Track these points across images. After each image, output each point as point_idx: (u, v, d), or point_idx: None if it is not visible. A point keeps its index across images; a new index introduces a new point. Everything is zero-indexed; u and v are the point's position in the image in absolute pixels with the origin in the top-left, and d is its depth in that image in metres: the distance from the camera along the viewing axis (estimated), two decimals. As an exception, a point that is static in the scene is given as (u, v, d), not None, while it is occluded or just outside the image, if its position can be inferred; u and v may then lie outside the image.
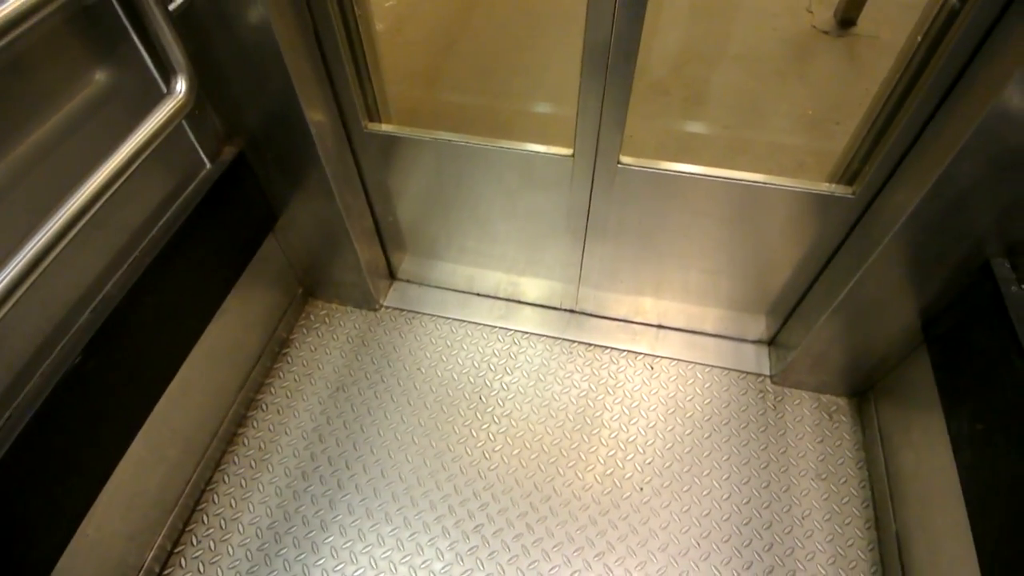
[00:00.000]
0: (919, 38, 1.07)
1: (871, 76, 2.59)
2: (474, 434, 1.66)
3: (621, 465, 1.60)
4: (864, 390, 1.69)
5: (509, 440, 1.65)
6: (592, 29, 1.12)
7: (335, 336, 1.89)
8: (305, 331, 1.90)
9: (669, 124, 2.39)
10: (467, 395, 1.74)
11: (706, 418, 1.68)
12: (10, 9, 0.78)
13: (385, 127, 1.47)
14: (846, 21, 2.77)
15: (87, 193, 0.95)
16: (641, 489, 1.56)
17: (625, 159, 1.37)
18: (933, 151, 1.10)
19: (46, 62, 0.95)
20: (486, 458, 1.62)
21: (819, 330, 1.50)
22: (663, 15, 2.85)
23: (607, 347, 1.84)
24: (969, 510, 1.12)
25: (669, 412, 1.70)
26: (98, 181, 0.96)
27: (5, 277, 0.83)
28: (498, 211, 1.62)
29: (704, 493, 1.55)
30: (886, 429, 1.56)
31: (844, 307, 1.41)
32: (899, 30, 2.77)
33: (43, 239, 0.88)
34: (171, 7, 1.08)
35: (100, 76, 1.06)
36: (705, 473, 1.58)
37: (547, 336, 1.87)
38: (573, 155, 1.38)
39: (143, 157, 1.03)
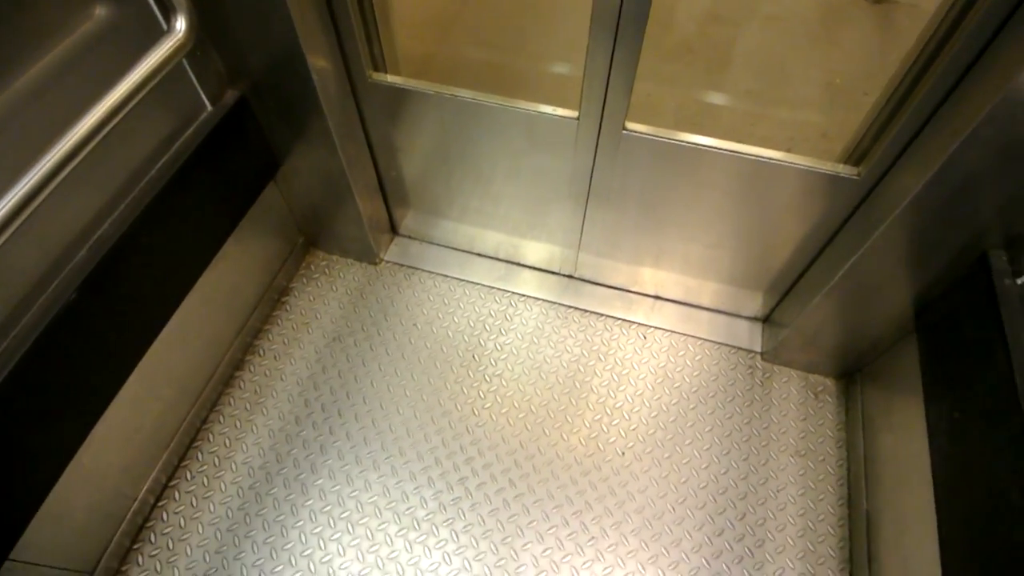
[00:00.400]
0: (942, 16, 1.03)
1: (906, 46, 2.50)
2: (465, 391, 1.69)
3: (606, 430, 1.63)
4: (852, 372, 1.70)
5: (499, 399, 1.68)
6: (603, -11, 1.09)
7: (334, 287, 1.91)
8: (305, 281, 1.92)
9: (691, 85, 2.32)
10: (461, 353, 1.77)
11: (693, 390, 1.70)
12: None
13: (390, 78, 1.44)
14: None
15: (84, 128, 0.95)
16: (623, 453, 1.59)
17: (631, 125, 1.35)
18: (942, 136, 1.08)
19: (45, -6, 0.94)
20: (475, 415, 1.65)
21: (813, 309, 1.50)
22: None
23: (602, 314, 1.85)
24: (936, 495, 1.15)
25: (658, 382, 1.72)
26: (95, 117, 0.96)
27: (1, 209, 0.85)
28: (502, 171, 1.61)
29: (684, 461, 1.58)
30: (869, 412, 1.58)
31: (839, 288, 1.41)
32: None
33: (40, 173, 0.89)
34: (172, -59, 1.06)
35: (100, 11, 1.05)
36: (687, 442, 1.61)
37: (544, 300, 1.88)
38: (578, 118, 1.36)
39: (141, 95, 1.02)
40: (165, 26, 1.14)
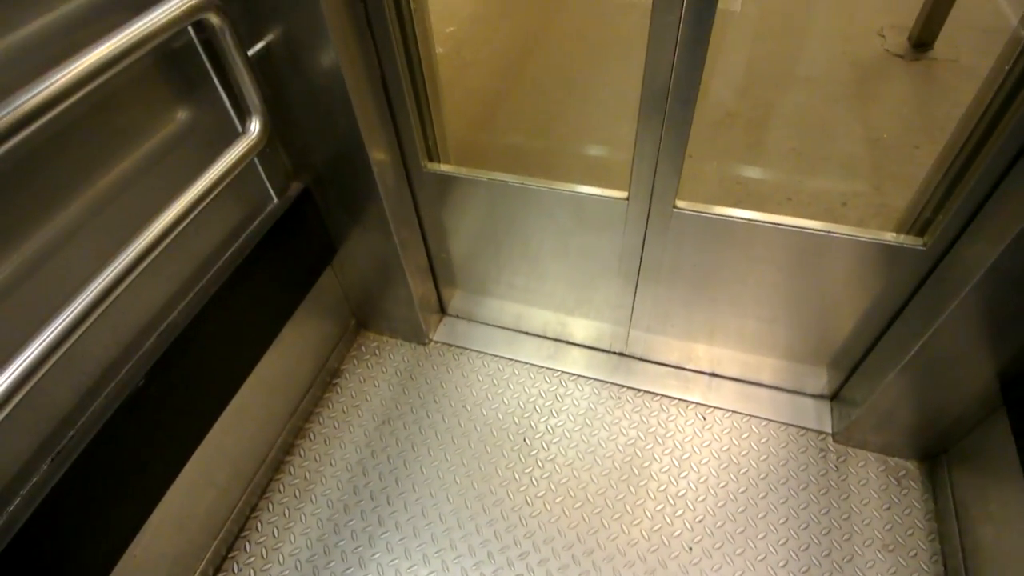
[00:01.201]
0: (998, 83, 1.02)
1: (951, 99, 2.49)
2: (517, 478, 1.63)
3: (670, 521, 1.53)
4: (936, 454, 1.57)
5: (552, 486, 1.61)
6: (651, 74, 1.12)
7: (384, 369, 1.91)
8: (356, 362, 1.93)
9: (734, 149, 2.33)
10: (511, 436, 1.72)
11: (762, 476, 1.60)
12: (105, 51, 0.85)
13: (444, 167, 1.51)
14: (921, 44, 2.66)
15: (162, 224, 1.00)
16: (690, 549, 1.48)
17: (681, 203, 1.35)
18: (1013, 202, 1.04)
19: (133, 100, 1.02)
20: (528, 504, 1.58)
21: (887, 387, 1.41)
22: (727, 39, 2.83)
23: (657, 394, 1.79)
24: None
25: (722, 467, 1.62)
26: (173, 213, 1.02)
27: (82, 302, 0.89)
28: (549, 251, 1.62)
29: (759, 558, 1.46)
30: (961, 499, 1.43)
31: (914, 364, 1.33)
32: (979, 55, 2.65)
33: (120, 266, 0.94)
34: (250, 52, 1.16)
35: (181, 114, 1.14)
36: (760, 536, 1.49)
37: (595, 379, 1.84)
38: (628, 199, 1.38)
39: (216, 192, 1.09)
40: (240, 128, 1.23)
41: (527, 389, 1.83)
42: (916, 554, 1.45)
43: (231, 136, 1.18)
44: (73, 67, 0.81)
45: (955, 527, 1.42)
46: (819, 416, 1.70)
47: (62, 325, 0.86)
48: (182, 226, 1.03)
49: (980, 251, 1.11)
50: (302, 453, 1.71)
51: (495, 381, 1.85)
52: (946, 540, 1.44)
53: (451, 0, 3.25)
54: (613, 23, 3.10)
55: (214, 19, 1.01)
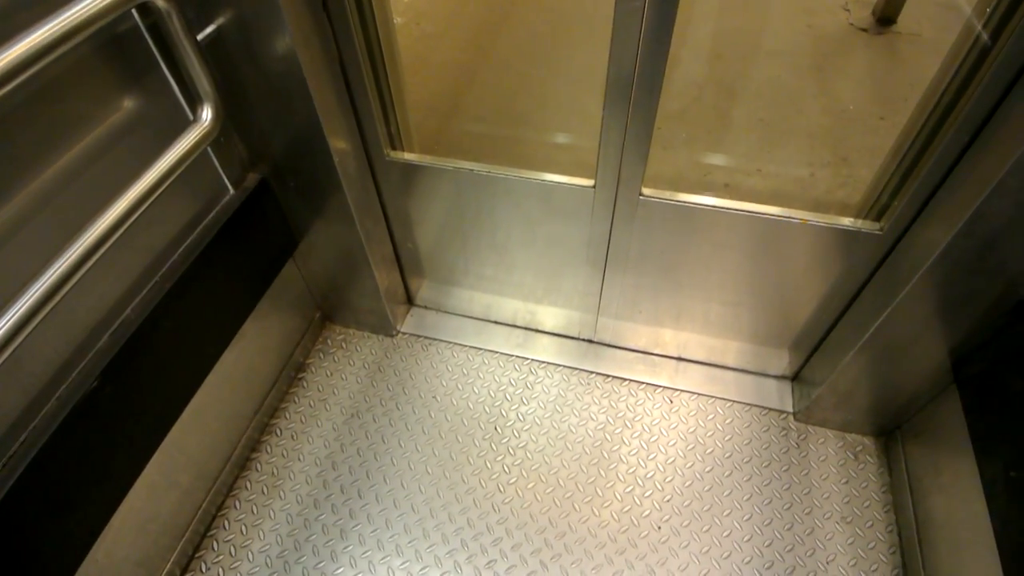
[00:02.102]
0: (948, 78, 1.05)
1: (915, 72, 2.54)
2: (489, 466, 1.63)
3: (639, 502, 1.55)
4: (891, 430, 1.64)
5: (524, 473, 1.62)
6: (615, 63, 1.12)
7: (351, 361, 1.88)
8: (321, 356, 1.90)
9: (703, 119, 2.34)
10: (482, 425, 1.72)
11: (727, 455, 1.64)
12: (42, 37, 0.80)
13: (407, 155, 1.48)
14: (885, 19, 2.71)
15: (111, 218, 0.96)
16: (659, 528, 1.51)
17: (647, 191, 1.36)
18: (966, 187, 1.07)
19: (76, 88, 0.97)
20: (500, 491, 1.58)
21: (845, 367, 1.46)
22: (694, 11, 2.82)
23: (626, 379, 1.81)
24: (1003, 561, 1.07)
25: (689, 448, 1.65)
26: (122, 206, 0.97)
27: (27, 300, 0.84)
28: (517, 240, 1.61)
29: (724, 534, 1.50)
30: (915, 472, 1.50)
31: (871, 344, 1.37)
32: (940, 29, 2.72)
33: (67, 263, 0.89)
34: (200, 36, 1.10)
35: (128, 102, 1.08)
36: (726, 513, 1.53)
37: (564, 366, 1.85)
38: (595, 186, 1.38)
39: (167, 183, 1.04)
40: (191, 115, 1.18)
41: (497, 378, 1.83)
42: (872, 525, 1.51)
43: (182, 125, 1.13)
44: (8, 53, 0.76)
45: (909, 498, 1.48)
46: (781, 396, 1.75)
47: (7, 325, 0.82)
48: (132, 219, 0.98)
49: (932, 236, 1.14)
50: (269, 449, 1.68)
51: (465, 371, 1.84)
52: (900, 511, 1.51)
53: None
54: None
55: (159, 2, 0.96)
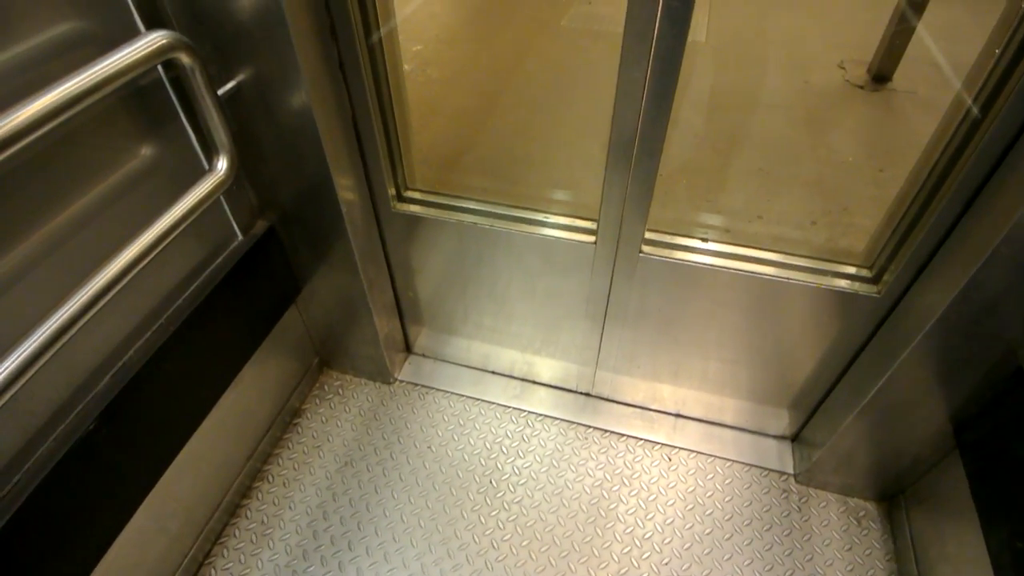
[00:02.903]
0: (940, 149, 1.09)
1: (912, 128, 2.59)
2: (483, 521, 1.60)
3: (636, 564, 1.51)
4: (894, 494, 1.61)
5: (519, 529, 1.58)
6: (618, 126, 1.16)
7: (347, 408, 1.87)
8: (318, 401, 1.89)
9: (702, 170, 2.38)
10: (477, 478, 1.69)
11: (727, 517, 1.60)
12: (71, 88, 0.83)
13: (413, 208, 1.51)
14: (880, 77, 2.79)
15: (122, 262, 0.97)
16: (657, 592, 1.47)
17: (647, 249, 1.38)
18: (961, 254, 1.09)
19: (96, 134, 1.00)
20: (494, 548, 1.55)
21: (846, 430, 1.45)
22: (694, 67, 2.91)
23: (623, 434, 1.79)
24: None
25: (688, 508, 1.62)
26: (134, 251, 0.99)
27: (33, 342, 0.85)
28: (517, 292, 1.63)
29: (724, 601, 1.45)
30: (919, 540, 1.46)
31: (871, 407, 1.37)
32: (936, 87, 2.79)
33: (75, 306, 0.90)
34: (220, 91, 1.15)
35: (146, 150, 1.12)
36: (725, 578, 1.49)
37: (561, 419, 1.83)
38: (595, 243, 1.40)
39: (180, 230, 1.06)
40: (207, 164, 1.22)
41: (493, 429, 1.81)
42: (877, 596, 1.46)
43: (198, 173, 1.16)
44: (37, 103, 0.79)
45: (914, 568, 1.44)
46: (781, 457, 1.73)
47: (12, 365, 0.82)
48: (144, 263, 1.00)
49: (930, 301, 1.16)
50: (260, 496, 1.65)
51: (461, 421, 1.83)
52: (905, 582, 1.46)
53: (419, 20, 3.29)
54: (583, 49, 3.18)
55: (184, 59, 1.00)
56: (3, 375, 0.81)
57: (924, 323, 1.16)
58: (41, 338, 0.86)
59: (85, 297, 0.92)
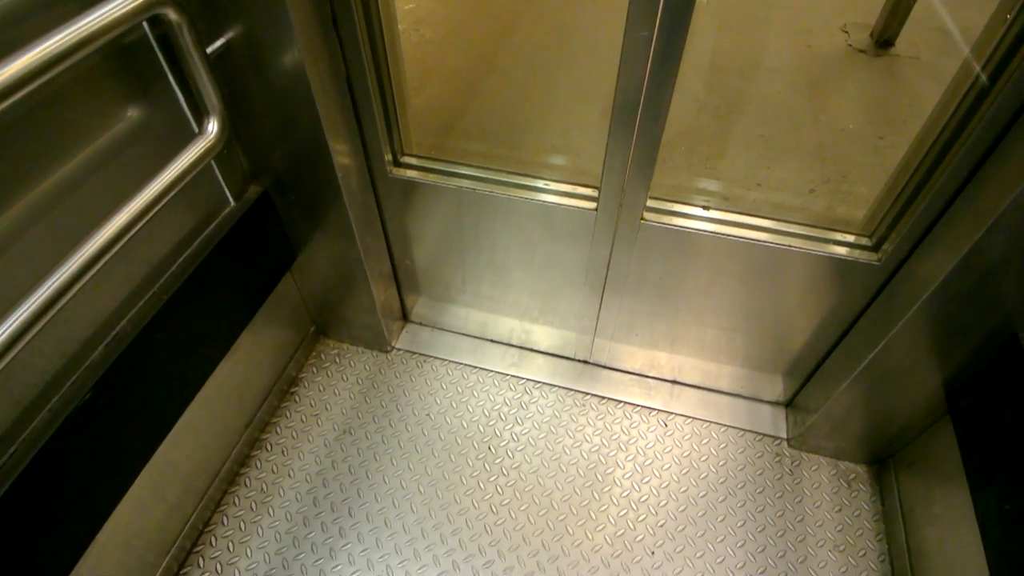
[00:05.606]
0: (946, 117, 1.07)
1: (914, 93, 2.57)
2: (482, 486, 1.62)
3: (632, 526, 1.54)
4: (884, 458, 1.64)
5: (517, 494, 1.60)
6: (622, 90, 1.13)
7: (344, 377, 1.86)
8: (315, 370, 1.88)
9: (703, 135, 2.35)
10: (476, 444, 1.70)
11: (721, 480, 1.63)
12: (54, 46, 0.79)
13: (409, 173, 1.48)
14: (884, 42, 2.75)
15: (112, 230, 0.94)
16: (652, 553, 1.50)
17: (648, 216, 1.37)
18: (964, 222, 1.09)
19: (81, 96, 0.96)
20: (493, 512, 1.57)
21: (840, 396, 1.47)
22: (695, 28, 2.86)
23: (620, 401, 1.80)
24: None
25: (683, 472, 1.65)
26: (124, 218, 0.96)
27: (25, 311, 0.82)
28: (516, 259, 1.61)
29: (718, 560, 1.49)
30: (907, 501, 1.50)
31: (867, 374, 1.38)
32: (939, 52, 2.75)
33: (66, 274, 0.88)
34: (209, 50, 1.10)
35: (133, 113, 1.07)
36: (720, 539, 1.52)
37: (559, 386, 1.84)
38: (596, 209, 1.38)
39: (170, 196, 1.03)
40: (196, 127, 1.17)
41: (492, 397, 1.81)
42: (865, 554, 1.51)
43: (187, 137, 1.12)
44: (18, 61, 0.75)
45: (902, 528, 1.48)
46: (775, 422, 1.75)
47: (3, 336, 0.80)
48: (133, 231, 0.97)
49: (930, 269, 1.16)
50: (259, 465, 1.65)
51: (459, 389, 1.83)
52: (893, 540, 1.51)
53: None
54: (584, 5, 3.09)
55: (172, 14, 0.96)
56: (-4, 344, 0.79)
57: (923, 291, 1.16)
58: (32, 308, 0.83)
59: (75, 265, 0.89)
